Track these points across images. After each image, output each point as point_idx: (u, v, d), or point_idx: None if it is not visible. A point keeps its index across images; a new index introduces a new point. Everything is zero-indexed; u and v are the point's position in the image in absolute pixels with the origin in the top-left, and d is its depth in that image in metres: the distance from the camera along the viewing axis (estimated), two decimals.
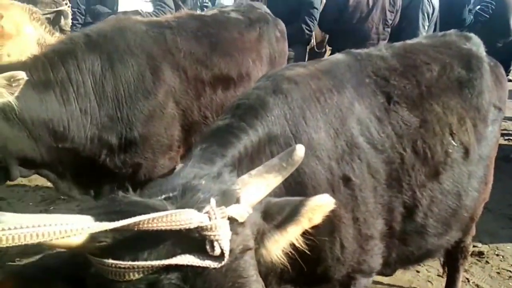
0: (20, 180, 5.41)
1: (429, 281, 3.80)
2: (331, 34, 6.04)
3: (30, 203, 5.13)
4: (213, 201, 1.11)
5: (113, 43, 2.90)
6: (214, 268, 1.06)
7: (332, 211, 1.78)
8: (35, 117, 2.57)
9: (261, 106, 1.83)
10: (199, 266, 1.05)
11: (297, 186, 1.78)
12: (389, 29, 5.57)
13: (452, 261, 3.19)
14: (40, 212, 4.89)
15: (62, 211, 4.76)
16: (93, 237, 1.04)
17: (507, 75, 8.42)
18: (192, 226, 1.03)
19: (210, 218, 1.06)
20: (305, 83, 1.96)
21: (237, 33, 3.62)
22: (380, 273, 3.28)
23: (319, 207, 1.33)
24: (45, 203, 5.10)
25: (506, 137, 7.32)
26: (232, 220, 1.13)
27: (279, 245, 1.35)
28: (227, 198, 1.19)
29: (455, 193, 2.24)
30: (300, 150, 1.25)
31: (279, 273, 1.81)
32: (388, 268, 2.27)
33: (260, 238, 1.31)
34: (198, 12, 5.40)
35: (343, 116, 1.95)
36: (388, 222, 2.02)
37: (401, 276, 3.80)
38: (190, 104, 3.17)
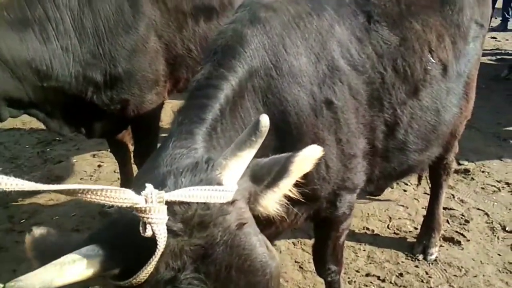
0: (15, 124, 5.49)
1: (415, 199, 3.99)
2: None
3: (27, 146, 5.21)
4: (150, 185, 1.16)
5: None
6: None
7: (315, 134, 1.86)
8: (16, 56, 2.57)
9: (238, 42, 1.83)
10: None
11: (280, 115, 1.83)
12: None
13: (436, 178, 3.33)
14: (37, 154, 4.97)
15: (59, 152, 4.90)
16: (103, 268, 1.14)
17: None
18: (125, 205, 1.09)
19: (146, 201, 1.11)
20: (283, 9, 1.95)
21: None
22: (369, 192, 3.44)
23: (307, 159, 1.40)
24: (41, 145, 5.19)
25: (498, 56, 7.30)
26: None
27: (274, 200, 1.42)
28: (211, 183, 1.26)
29: (434, 109, 2.31)
30: (264, 121, 1.27)
31: None
32: (371, 184, 2.38)
33: (253, 199, 1.38)
34: None
35: (324, 39, 1.96)
36: (370, 140, 2.10)
37: (389, 194, 3.99)
38: (173, 37, 3.13)
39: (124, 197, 1.09)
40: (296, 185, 1.91)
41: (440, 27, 2.32)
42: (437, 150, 2.57)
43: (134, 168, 3.83)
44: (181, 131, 1.61)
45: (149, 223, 1.11)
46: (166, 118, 3.72)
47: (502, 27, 8.78)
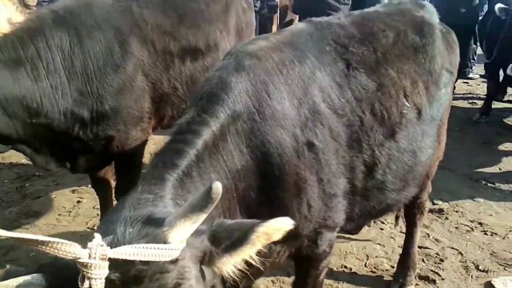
0: None
1: (392, 238, 4.05)
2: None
3: (6, 180, 5.13)
4: (97, 239, 1.23)
5: (80, 19, 2.92)
6: None
7: (298, 175, 1.93)
8: (8, 94, 2.63)
9: (222, 89, 1.90)
10: None
11: (264, 156, 1.90)
12: None
13: (410, 217, 3.42)
14: (16, 189, 4.90)
15: (38, 187, 4.84)
16: None
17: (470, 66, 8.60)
18: (69, 257, 1.18)
19: (89, 256, 1.19)
20: (267, 57, 2.05)
21: (204, 4, 3.65)
22: (347, 231, 3.50)
23: (274, 230, 1.42)
24: (20, 180, 5.12)
25: (470, 101, 7.61)
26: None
27: (229, 265, 1.45)
28: (156, 240, 1.30)
29: (410, 150, 2.42)
30: (216, 188, 1.28)
31: None
32: (352, 223, 2.44)
33: (208, 259, 1.43)
34: None
35: (305, 85, 2.06)
36: (350, 180, 2.18)
37: (366, 233, 4.05)
38: (160, 76, 3.23)
39: (70, 251, 1.17)
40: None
41: (414, 74, 2.47)
42: (413, 190, 2.68)
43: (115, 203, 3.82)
44: (153, 175, 1.65)
45: (88, 278, 1.18)
46: (148, 155, 3.76)
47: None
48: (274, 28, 8.09)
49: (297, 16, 7.29)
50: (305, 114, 2.01)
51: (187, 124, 1.85)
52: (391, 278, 3.47)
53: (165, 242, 1.29)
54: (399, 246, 3.81)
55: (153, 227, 1.33)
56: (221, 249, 1.42)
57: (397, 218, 3.63)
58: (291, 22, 7.90)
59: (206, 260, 1.43)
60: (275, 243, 2.00)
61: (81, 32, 2.89)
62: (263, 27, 7.88)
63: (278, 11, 8.16)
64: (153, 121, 3.35)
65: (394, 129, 2.31)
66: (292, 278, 3.48)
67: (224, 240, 1.42)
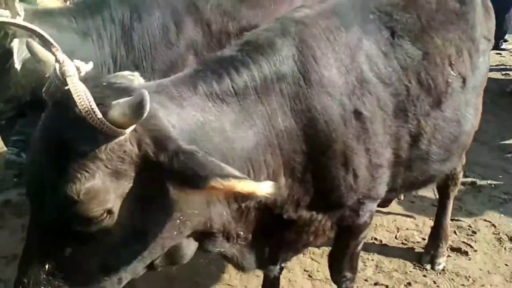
0: None
1: (422, 210, 4.04)
2: None
3: None
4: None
5: None
6: None
7: (345, 143, 1.91)
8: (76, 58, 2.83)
9: (269, 46, 1.89)
10: None
11: (309, 122, 1.88)
12: None
13: (444, 188, 3.40)
14: None
15: None
16: None
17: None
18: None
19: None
20: (313, 23, 2.01)
21: None
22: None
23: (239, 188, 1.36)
24: None
25: (504, 72, 7.41)
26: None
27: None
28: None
29: (455, 120, 2.37)
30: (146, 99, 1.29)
31: (296, 200, 1.96)
32: (394, 193, 2.44)
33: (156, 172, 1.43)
34: None
35: (352, 52, 2.02)
36: (395, 150, 2.15)
37: (396, 206, 4.04)
38: None
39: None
40: (324, 191, 1.98)
41: (458, 41, 2.40)
42: (456, 160, 2.64)
43: None
44: (188, 79, 1.75)
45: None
46: None
47: None
48: None
49: None
50: (353, 82, 1.98)
51: (230, 57, 1.85)
52: (422, 250, 3.49)
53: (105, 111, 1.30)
54: (429, 219, 3.82)
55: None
56: (173, 174, 1.40)
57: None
58: None
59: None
60: (316, 211, 2.04)
61: (141, 8, 3.02)
62: None
63: None
64: None
65: (440, 98, 2.26)
66: (322, 249, 3.52)
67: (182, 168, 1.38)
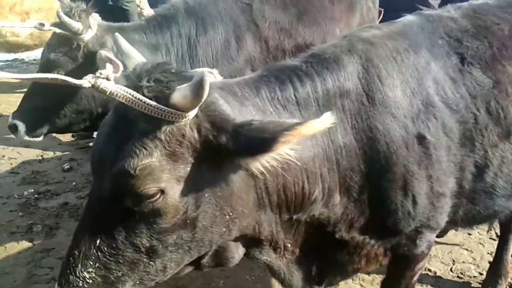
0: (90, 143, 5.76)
1: (480, 243, 3.86)
2: None
3: None
4: (108, 70, 1.43)
5: (207, 10, 3.24)
6: None
7: (406, 167, 1.88)
8: None
9: (335, 61, 1.90)
10: None
11: (369, 141, 1.86)
12: None
13: (507, 222, 3.21)
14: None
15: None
16: None
17: None
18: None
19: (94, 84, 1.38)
20: (381, 44, 2.01)
21: (328, 2, 3.70)
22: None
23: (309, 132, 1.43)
24: None
25: None
26: None
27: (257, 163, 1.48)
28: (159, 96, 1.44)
29: None
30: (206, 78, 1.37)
31: (349, 221, 1.93)
32: (454, 226, 2.34)
33: (222, 152, 1.50)
34: None
35: (420, 75, 1.99)
36: (458, 180, 2.08)
37: (452, 237, 3.88)
38: None
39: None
40: (380, 215, 1.94)
41: None
42: None
43: None
44: (253, 83, 1.79)
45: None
46: None
47: None
48: None
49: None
50: (418, 105, 1.94)
51: (294, 67, 1.88)
52: (479, 285, 3.33)
53: (166, 100, 1.40)
54: (488, 253, 3.66)
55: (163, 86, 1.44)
56: (241, 149, 1.45)
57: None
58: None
59: (220, 151, 1.47)
60: (370, 235, 2.00)
61: (207, 22, 3.20)
62: None
63: None
64: None
65: (509, 130, 2.16)
66: (372, 276, 3.43)
67: (247, 140, 1.44)
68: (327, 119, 1.40)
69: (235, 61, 3.26)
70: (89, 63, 3.03)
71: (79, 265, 1.49)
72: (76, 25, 3.04)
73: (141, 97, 1.38)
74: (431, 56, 2.06)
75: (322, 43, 3.47)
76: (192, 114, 1.43)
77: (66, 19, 3.02)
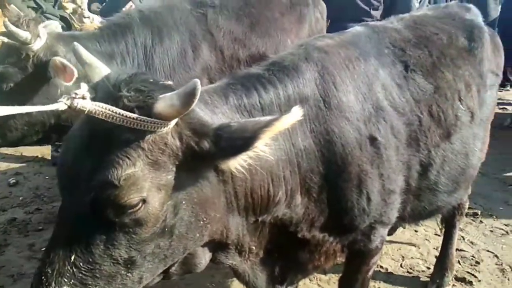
0: (36, 155, 5.60)
1: (426, 239, 4.10)
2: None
3: (47, 177, 5.29)
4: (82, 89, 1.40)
5: (163, 19, 3.22)
6: None
7: (360, 166, 2.00)
8: None
9: (294, 69, 2.00)
10: None
11: (327, 144, 1.97)
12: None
13: (450, 218, 3.46)
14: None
15: None
16: None
17: None
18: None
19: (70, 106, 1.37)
20: (334, 52, 2.14)
21: (279, 14, 3.79)
22: None
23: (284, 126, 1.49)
24: None
25: (501, 106, 7.60)
26: None
27: (235, 163, 1.54)
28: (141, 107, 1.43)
29: (463, 152, 2.47)
30: (198, 85, 1.41)
31: (310, 220, 2.03)
32: (403, 222, 2.50)
33: (205, 156, 1.53)
34: None
35: (370, 82, 2.13)
36: (406, 178, 2.24)
37: (401, 235, 4.09)
38: None
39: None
40: (338, 213, 2.05)
41: (468, 77, 2.52)
42: (462, 192, 2.72)
43: None
44: (221, 90, 1.86)
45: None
46: None
47: None
48: None
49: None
50: (369, 109, 2.08)
51: (258, 75, 1.96)
52: (428, 279, 3.52)
53: (149, 110, 1.41)
54: (434, 248, 3.88)
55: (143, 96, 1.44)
56: (224, 151, 1.50)
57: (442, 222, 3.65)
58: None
59: (201, 156, 1.51)
60: (329, 232, 2.10)
61: (163, 32, 3.17)
62: None
63: None
64: None
65: (449, 131, 2.36)
66: (328, 276, 3.56)
67: (229, 142, 1.49)
68: (298, 113, 1.48)
69: (192, 69, 3.28)
70: (40, 72, 2.96)
71: (53, 283, 1.43)
72: (24, 34, 2.93)
73: (122, 112, 1.37)
74: (379, 64, 2.22)
75: (275, 53, 3.59)
76: (173, 122, 1.45)
77: (13, 28, 2.90)
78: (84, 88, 1.41)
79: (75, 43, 1.77)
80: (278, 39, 3.73)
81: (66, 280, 1.43)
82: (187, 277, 3.40)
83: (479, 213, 4.49)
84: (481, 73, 2.66)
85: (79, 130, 1.51)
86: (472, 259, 3.82)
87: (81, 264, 1.45)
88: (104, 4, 6.47)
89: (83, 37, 3.12)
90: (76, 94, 1.36)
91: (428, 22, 2.68)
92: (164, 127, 1.42)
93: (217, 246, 1.86)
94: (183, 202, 1.54)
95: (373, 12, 5.46)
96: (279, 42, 3.73)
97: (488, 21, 7.16)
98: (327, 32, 4.36)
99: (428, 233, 4.16)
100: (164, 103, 1.40)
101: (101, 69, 1.64)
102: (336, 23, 4.47)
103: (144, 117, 1.39)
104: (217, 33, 3.45)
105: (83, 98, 1.37)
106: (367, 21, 4.33)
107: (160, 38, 3.18)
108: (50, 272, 1.44)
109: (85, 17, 5.84)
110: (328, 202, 2.02)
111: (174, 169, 1.49)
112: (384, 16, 5.07)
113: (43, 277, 1.44)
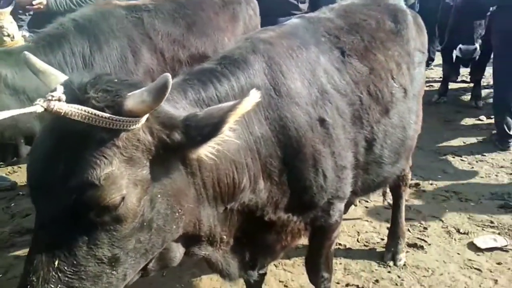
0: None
1: (377, 213, 4.38)
2: None
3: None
4: (58, 91, 1.44)
5: (99, 27, 3.17)
6: None
7: (313, 147, 2.16)
8: (40, 95, 2.83)
9: (243, 61, 2.10)
10: None
11: (281, 129, 2.10)
12: None
13: (396, 189, 3.74)
14: (3, 210, 4.85)
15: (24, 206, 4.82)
16: None
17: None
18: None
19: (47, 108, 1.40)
20: (278, 43, 2.28)
21: (213, 13, 3.88)
22: None
23: (246, 108, 1.57)
24: (5, 200, 5.02)
25: (428, 84, 8.15)
26: None
27: (205, 150, 1.61)
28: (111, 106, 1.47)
29: (401, 126, 2.71)
30: (169, 81, 1.44)
31: (274, 203, 2.16)
32: (355, 196, 2.70)
33: (177, 148, 1.60)
34: None
35: (313, 68, 2.29)
36: (355, 154, 2.43)
37: (353, 212, 4.35)
38: None
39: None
40: (298, 192, 2.20)
41: (397, 57, 2.76)
42: (404, 162, 2.97)
43: None
44: (179, 85, 1.91)
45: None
46: None
47: None
48: None
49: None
50: (315, 93, 2.23)
51: (211, 70, 2.04)
52: (383, 249, 3.76)
53: (119, 108, 1.44)
54: (385, 221, 4.14)
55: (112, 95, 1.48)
56: (194, 139, 1.56)
57: (384, 193, 3.93)
58: None
59: (173, 148, 1.57)
60: (293, 212, 2.24)
61: (100, 39, 3.13)
62: None
63: None
64: None
65: (387, 107, 2.58)
66: (292, 260, 3.72)
67: (198, 130, 1.56)
68: (256, 95, 1.58)
69: (134, 74, 3.27)
70: None
71: None
72: None
73: (98, 112, 1.41)
74: (319, 51, 2.39)
75: (214, 51, 3.71)
76: (144, 118, 1.50)
77: None
78: (59, 90, 1.43)
79: (26, 53, 1.73)
80: (216, 38, 3.82)
81: (52, 286, 1.44)
82: (154, 280, 3.44)
83: (421, 183, 4.85)
84: (409, 52, 2.92)
85: (48, 134, 1.51)
86: (420, 225, 4.13)
87: (65, 268, 1.46)
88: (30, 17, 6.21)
89: (18, 51, 3.01)
90: (52, 96, 1.39)
91: (356, 10, 2.89)
92: (136, 124, 1.47)
93: (191, 238, 1.92)
94: (159, 195, 1.60)
95: (301, 5, 5.73)
96: (216, 40, 3.82)
97: (408, 4, 7.70)
98: (261, 27, 4.51)
99: (378, 208, 4.44)
100: (133, 100, 1.45)
101: (57, 76, 1.64)
102: (267, 18, 4.63)
103: (118, 117, 1.43)
104: (155, 36, 3.47)
105: (59, 100, 1.39)
106: (296, 14, 4.57)
107: (99, 46, 3.15)
108: (35, 280, 1.44)
109: (5, 36, 5.65)
110: (289, 184, 2.15)
111: (148, 164, 1.54)
112: (310, 9, 5.30)
113: (28, 287, 1.44)
